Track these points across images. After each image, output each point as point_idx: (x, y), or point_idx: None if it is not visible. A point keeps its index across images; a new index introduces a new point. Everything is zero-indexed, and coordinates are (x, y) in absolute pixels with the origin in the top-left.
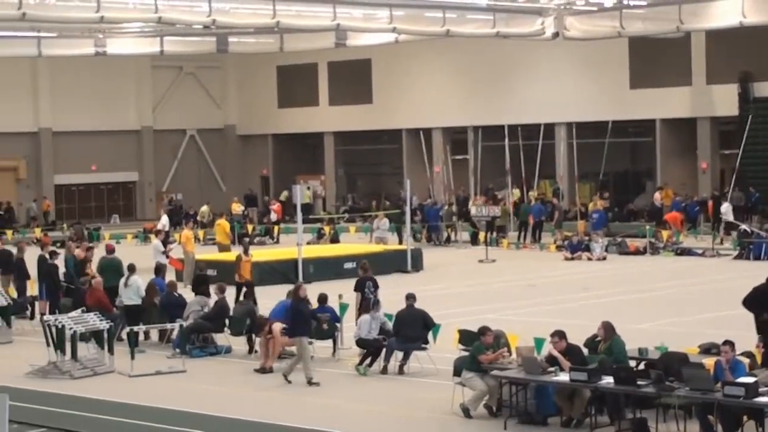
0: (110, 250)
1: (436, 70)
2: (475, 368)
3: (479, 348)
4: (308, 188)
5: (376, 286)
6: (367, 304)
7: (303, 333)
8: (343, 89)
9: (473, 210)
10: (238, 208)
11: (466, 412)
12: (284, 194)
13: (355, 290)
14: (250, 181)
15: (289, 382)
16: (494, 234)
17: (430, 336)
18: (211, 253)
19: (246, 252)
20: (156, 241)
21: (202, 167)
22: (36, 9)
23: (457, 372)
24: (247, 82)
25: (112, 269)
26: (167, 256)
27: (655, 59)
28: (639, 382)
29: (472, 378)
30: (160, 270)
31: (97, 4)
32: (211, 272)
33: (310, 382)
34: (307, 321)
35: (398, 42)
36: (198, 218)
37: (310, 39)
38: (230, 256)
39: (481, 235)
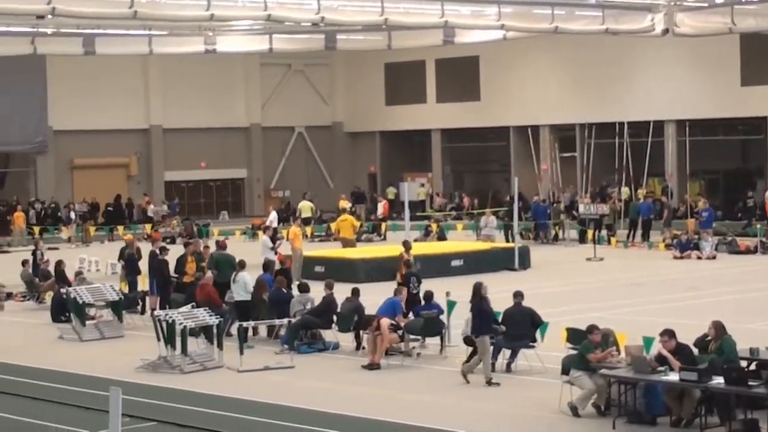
0: (222, 245)
1: (544, 67)
2: (584, 367)
3: (587, 346)
4: (422, 185)
5: (419, 281)
6: (413, 298)
7: (487, 332)
8: (451, 86)
9: (581, 208)
10: (345, 204)
11: (574, 411)
12: (391, 191)
13: (401, 285)
14: (358, 178)
15: (467, 381)
16: (602, 232)
17: (537, 334)
18: (319, 250)
19: (408, 251)
20: (264, 238)
21: (310, 164)
22: (147, 7)
23: (565, 370)
24: (355, 79)
25: (227, 264)
26: (276, 253)
27: (767, 56)
28: (750, 383)
29: (581, 377)
30: (268, 266)
31: (207, 3)
32: (319, 269)
33: (489, 383)
34: (490, 320)
35: (506, 39)
36: (298, 214)
37: (418, 36)
38: (340, 252)
39: (589, 233)
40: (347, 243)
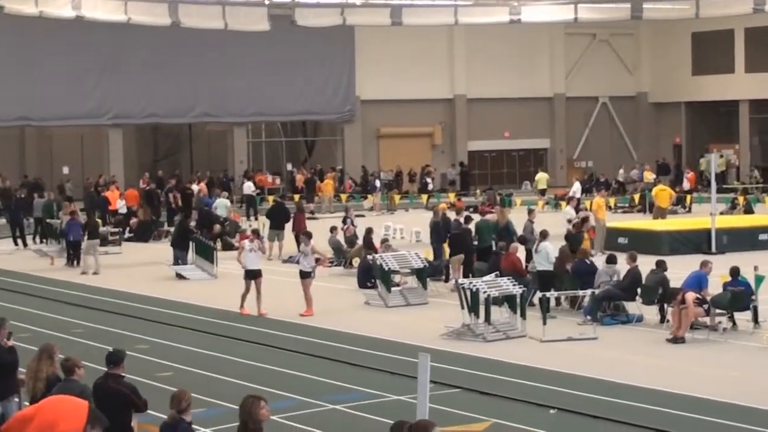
0: (482, 212)
1: None
2: None
3: None
4: (721, 156)
5: None
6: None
7: None
8: (761, 56)
9: None
10: (649, 176)
11: None
12: (704, 162)
13: None
14: (662, 150)
15: None
16: None
17: None
18: (622, 221)
19: None
20: (568, 208)
21: (614, 135)
22: None
23: None
24: (661, 49)
25: (487, 230)
26: (573, 226)
27: None
28: None
29: None
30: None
31: None
32: (622, 240)
33: None
34: None
35: None
36: (535, 186)
37: (727, 4)
38: (644, 224)
39: None
40: (660, 212)
